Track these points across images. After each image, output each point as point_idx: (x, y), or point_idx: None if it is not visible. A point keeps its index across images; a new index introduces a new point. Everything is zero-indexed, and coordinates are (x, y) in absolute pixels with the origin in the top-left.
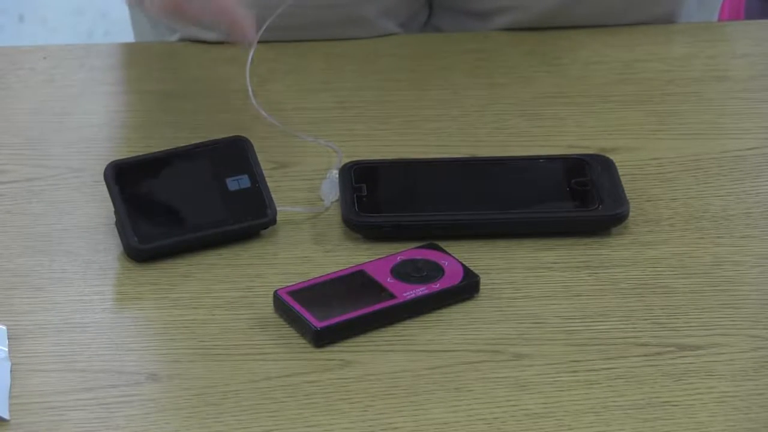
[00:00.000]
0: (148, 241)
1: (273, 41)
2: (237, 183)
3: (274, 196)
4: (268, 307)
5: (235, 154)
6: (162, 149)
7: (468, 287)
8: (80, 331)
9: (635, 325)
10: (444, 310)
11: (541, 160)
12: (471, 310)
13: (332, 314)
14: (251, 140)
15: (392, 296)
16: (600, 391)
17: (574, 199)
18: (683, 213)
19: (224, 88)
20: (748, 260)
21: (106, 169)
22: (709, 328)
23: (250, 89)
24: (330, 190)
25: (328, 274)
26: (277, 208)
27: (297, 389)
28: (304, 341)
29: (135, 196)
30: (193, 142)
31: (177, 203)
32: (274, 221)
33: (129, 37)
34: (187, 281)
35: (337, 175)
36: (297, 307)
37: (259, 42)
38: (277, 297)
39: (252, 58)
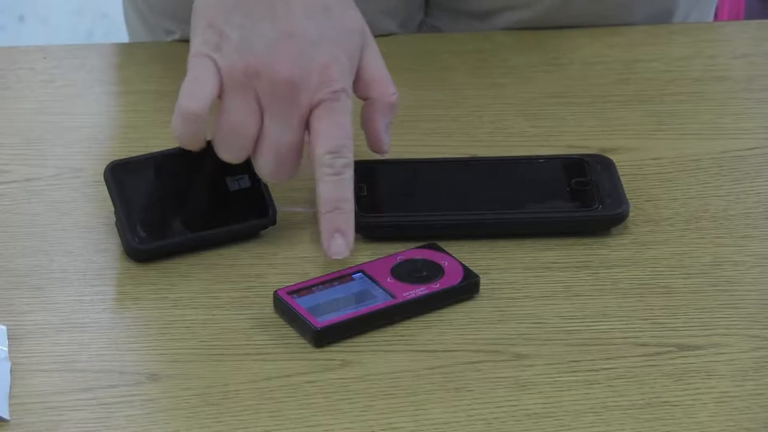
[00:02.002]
0: (148, 241)
1: None
2: (237, 183)
3: (274, 196)
4: (268, 307)
5: None
6: (162, 149)
7: (468, 287)
8: (80, 331)
9: (635, 325)
10: (444, 310)
11: (541, 160)
12: (471, 310)
13: (332, 314)
14: None
15: (392, 296)
16: (600, 391)
17: (574, 199)
18: (683, 213)
19: None
20: (748, 260)
21: (106, 169)
22: (709, 328)
23: None
24: None
25: (328, 274)
26: (277, 208)
27: (297, 389)
28: (304, 341)
29: (135, 196)
30: None
31: (177, 203)
32: (274, 221)
33: (128, 37)
34: (187, 281)
35: None
36: (297, 307)
37: None
38: (277, 297)
39: None
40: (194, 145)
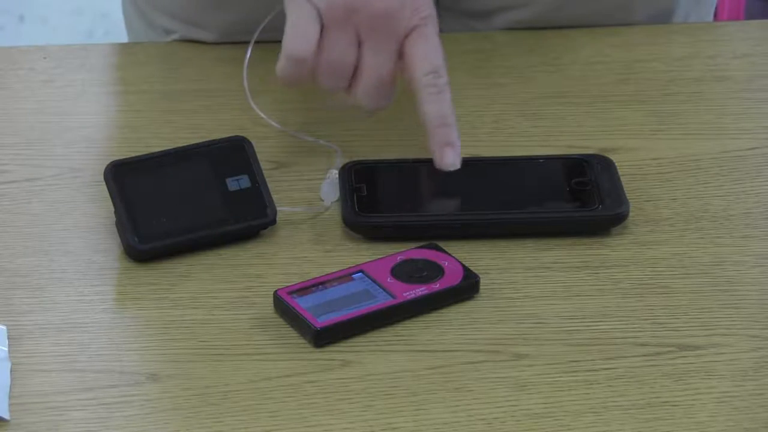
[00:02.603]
0: (148, 241)
1: (272, 41)
2: (237, 183)
3: (274, 196)
4: (268, 307)
5: (235, 154)
6: (162, 149)
7: (468, 287)
8: (80, 331)
9: (635, 325)
10: (444, 310)
11: (541, 160)
12: (471, 310)
13: (332, 314)
14: (251, 140)
15: (392, 296)
16: (600, 391)
17: (574, 199)
18: (683, 213)
19: (224, 88)
20: (748, 260)
21: (106, 169)
22: (709, 328)
23: (247, 90)
24: (330, 190)
25: (328, 274)
26: (277, 208)
27: (297, 389)
28: (304, 341)
29: (135, 196)
30: (193, 142)
31: (177, 203)
32: (274, 221)
33: (126, 33)
34: (187, 281)
35: (337, 175)
36: (297, 307)
37: (257, 42)
38: (277, 297)
39: (249, 59)
40: (298, 86)
